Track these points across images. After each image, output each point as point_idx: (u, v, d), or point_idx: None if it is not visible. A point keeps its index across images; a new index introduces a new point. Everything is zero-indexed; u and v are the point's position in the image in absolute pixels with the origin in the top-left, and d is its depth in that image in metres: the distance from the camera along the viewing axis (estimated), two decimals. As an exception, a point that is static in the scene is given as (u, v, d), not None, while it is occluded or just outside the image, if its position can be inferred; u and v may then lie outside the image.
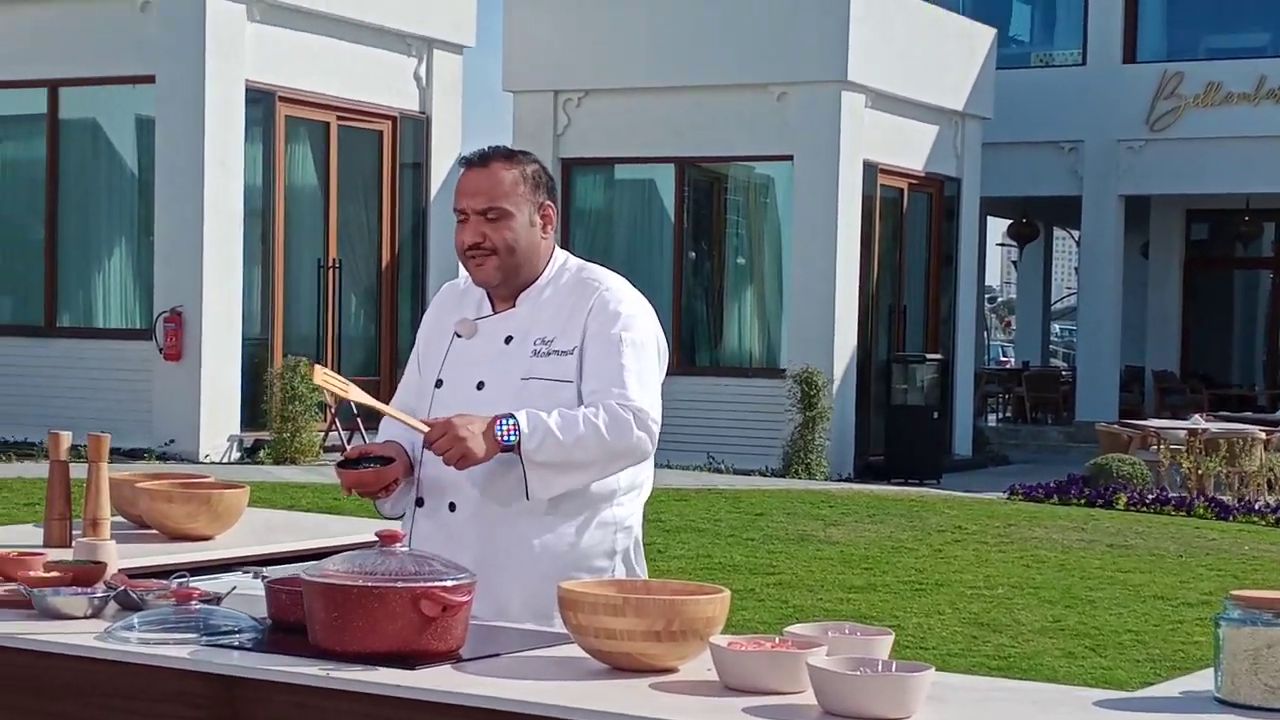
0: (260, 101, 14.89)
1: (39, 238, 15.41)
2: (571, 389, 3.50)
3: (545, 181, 3.61)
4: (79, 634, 3.19)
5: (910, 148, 18.43)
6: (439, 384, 3.64)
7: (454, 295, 3.73)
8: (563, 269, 3.65)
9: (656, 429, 3.52)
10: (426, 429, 3.39)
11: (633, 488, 3.63)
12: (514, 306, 3.62)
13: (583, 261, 3.70)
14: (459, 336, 3.64)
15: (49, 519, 4.26)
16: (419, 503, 3.62)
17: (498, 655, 3.13)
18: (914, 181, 18.69)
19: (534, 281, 3.61)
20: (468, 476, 3.48)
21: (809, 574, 10.05)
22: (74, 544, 3.95)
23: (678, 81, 17.38)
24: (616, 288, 3.61)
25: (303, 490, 12.20)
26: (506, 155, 3.58)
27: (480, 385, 3.57)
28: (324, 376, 3.47)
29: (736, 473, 15.96)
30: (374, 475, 3.52)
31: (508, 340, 3.58)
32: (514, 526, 3.50)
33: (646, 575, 3.66)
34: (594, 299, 3.56)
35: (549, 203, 3.61)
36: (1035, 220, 25.89)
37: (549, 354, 3.54)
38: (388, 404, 3.60)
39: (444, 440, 3.35)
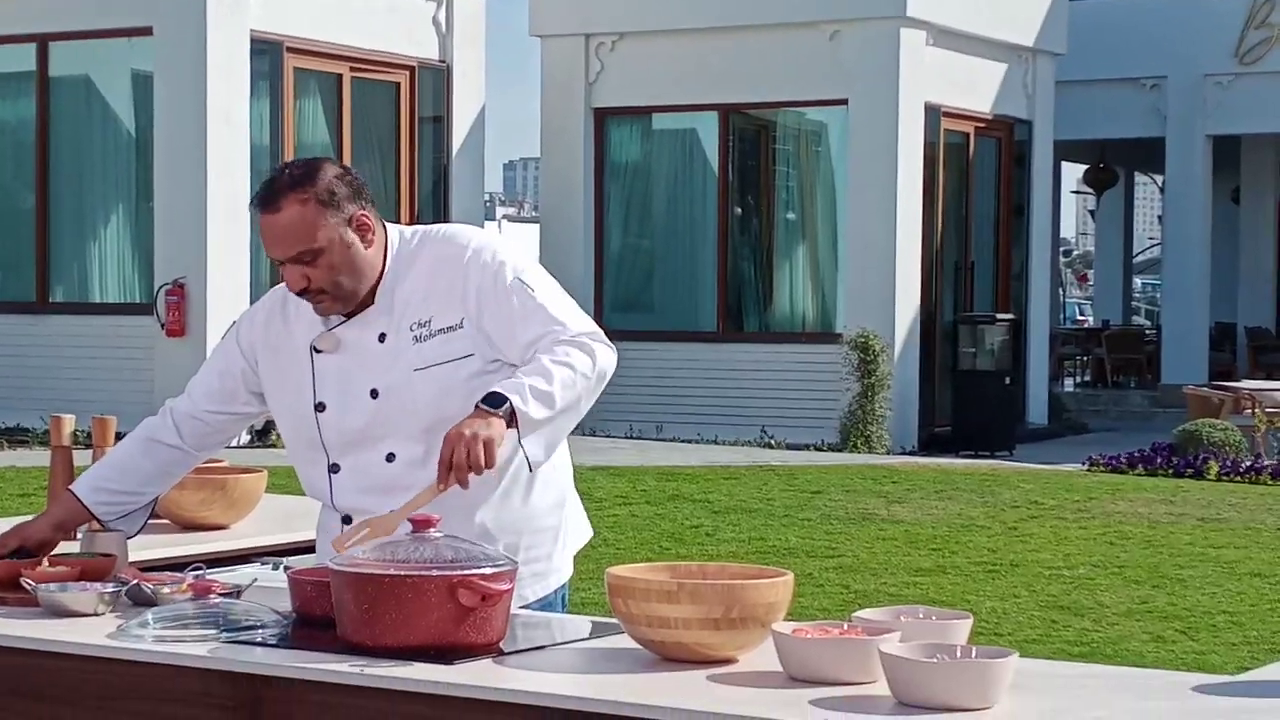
0: (267, 53, 14.91)
1: (29, 206, 15.49)
2: (474, 362, 3.56)
3: (345, 190, 3.58)
4: (90, 633, 3.22)
5: (976, 88, 18.35)
6: (321, 408, 3.66)
7: (281, 305, 3.73)
8: (404, 246, 3.66)
9: (609, 343, 3.59)
10: (440, 484, 3.38)
11: None
12: (372, 302, 3.64)
13: (420, 228, 3.73)
14: (319, 352, 3.67)
15: (52, 509, 4.29)
16: (345, 519, 3.63)
17: (541, 647, 3.16)
18: (981, 125, 18.61)
19: (379, 281, 3.64)
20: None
21: (871, 556, 10.06)
22: (80, 536, 3.98)
23: (720, 21, 17.33)
24: (473, 240, 3.65)
25: (320, 474, 12.25)
26: (294, 185, 3.54)
27: (374, 393, 3.61)
28: (348, 544, 3.33)
29: (790, 447, 15.96)
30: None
31: (381, 338, 3.62)
32: (459, 513, 3.49)
33: (589, 525, 3.84)
34: (463, 265, 3.59)
35: (359, 211, 3.59)
36: (1114, 165, 25.75)
37: (433, 335, 3.58)
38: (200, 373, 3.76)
39: (459, 454, 3.35)
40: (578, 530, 3.81)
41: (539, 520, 3.67)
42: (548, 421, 3.45)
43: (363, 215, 3.60)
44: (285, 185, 3.55)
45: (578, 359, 3.49)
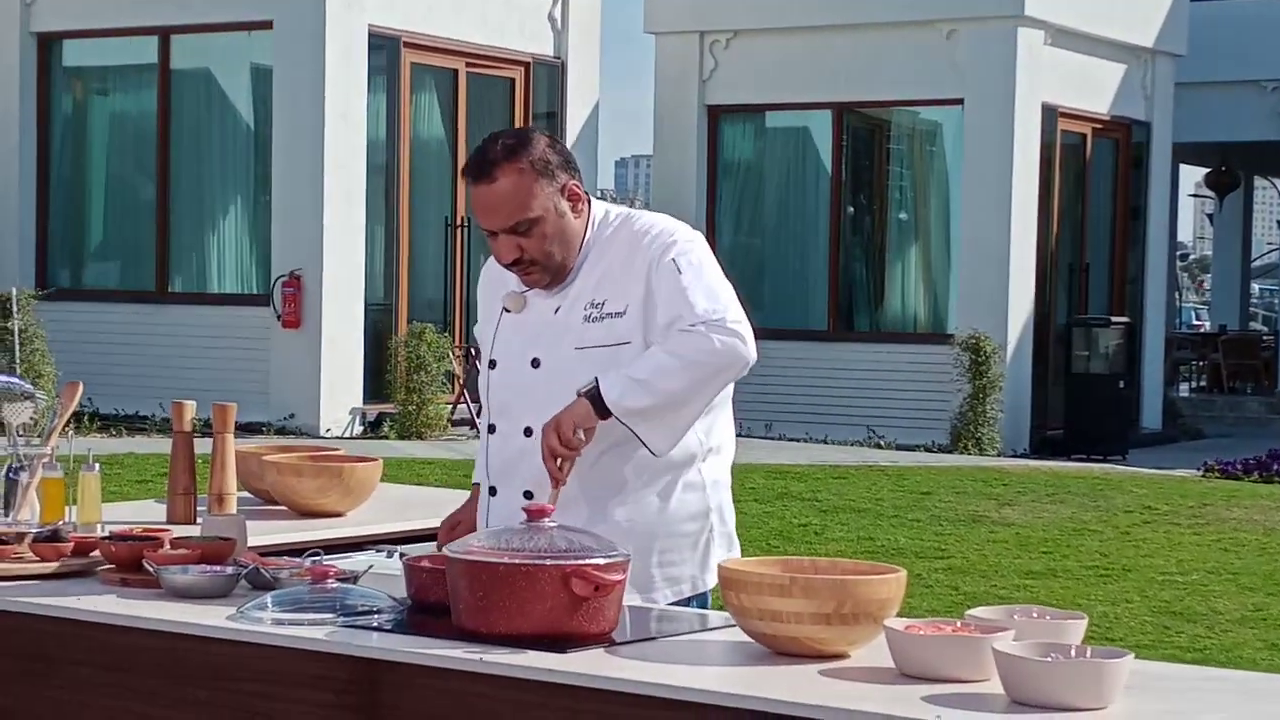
0: (384, 48, 15.04)
1: (149, 197, 15.71)
2: (632, 350, 3.56)
3: (557, 159, 3.59)
4: (209, 614, 3.27)
5: (1094, 89, 18.17)
6: (492, 365, 3.72)
7: (498, 269, 3.75)
8: (604, 225, 3.67)
9: (744, 330, 3.54)
10: (554, 489, 3.43)
11: (711, 449, 3.70)
12: (572, 275, 3.65)
13: (625, 210, 3.73)
14: (507, 311, 3.70)
15: (172, 494, 4.36)
16: (492, 491, 3.70)
17: (653, 639, 3.18)
18: (1098, 126, 18.43)
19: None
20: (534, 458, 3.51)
21: (981, 558, 10.00)
22: (202, 520, 4.04)
23: (835, 19, 17.28)
24: (665, 227, 3.64)
25: (429, 466, 12.36)
26: (508, 154, 3.55)
27: (535, 363, 3.63)
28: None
29: (899, 448, 15.89)
30: None
31: (556, 310, 3.64)
32: (594, 505, 3.56)
33: (738, 547, 3.76)
34: (644, 251, 3.59)
35: (570, 180, 3.61)
36: (1234, 168, 25.41)
37: (602, 318, 3.59)
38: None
39: (545, 443, 3.40)
40: (724, 546, 3.73)
41: (677, 525, 3.65)
42: (655, 410, 3.46)
43: (574, 184, 3.61)
44: (500, 155, 3.55)
45: (690, 347, 3.48)
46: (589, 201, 3.66)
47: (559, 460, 3.42)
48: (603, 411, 3.44)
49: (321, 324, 14.50)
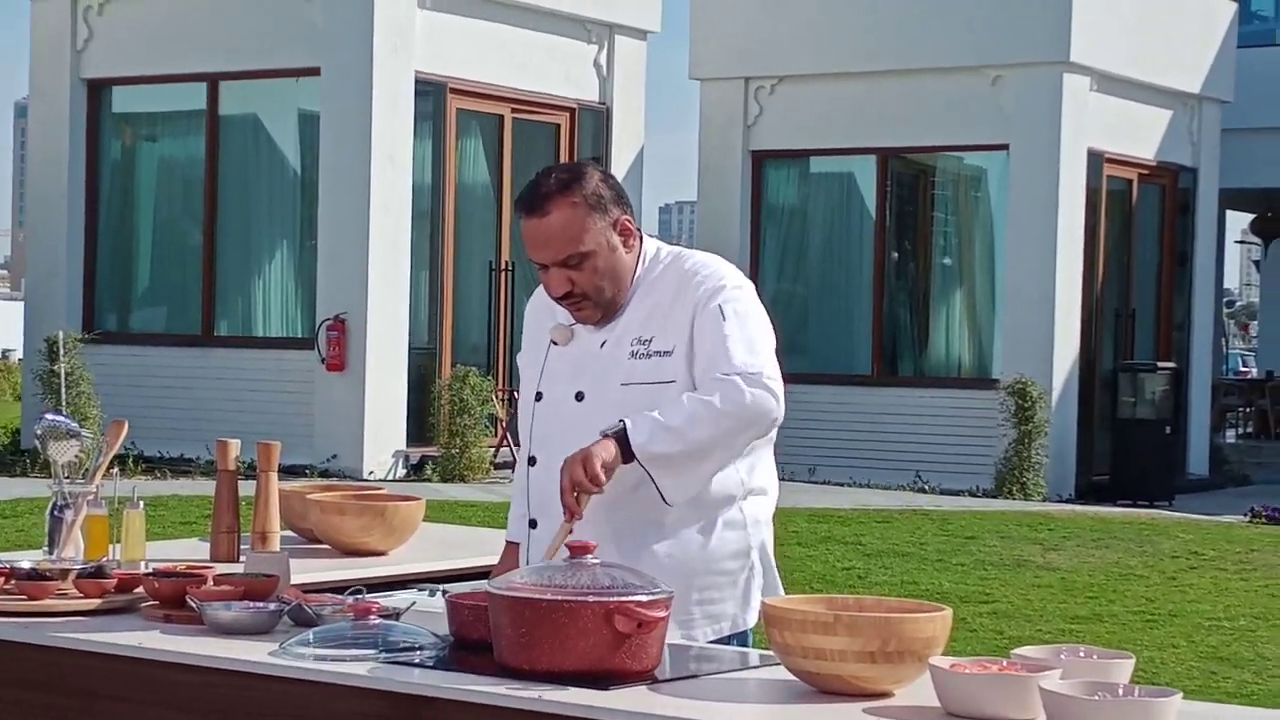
0: (430, 94, 15.11)
1: (196, 242, 15.80)
2: (676, 389, 3.54)
3: (610, 194, 3.59)
4: (252, 650, 3.27)
5: (1140, 135, 18.13)
6: (539, 397, 3.71)
7: (547, 300, 3.74)
8: (654, 262, 3.66)
9: (777, 387, 3.51)
10: (568, 522, 3.41)
11: (753, 491, 3.67)
12: (621, 311, 3.65)
13: (677, 249, 3.72)
14: (555, 344, 3.70)
15: (216, 531, 4.37)
16: (532, 524, 3.69)
17: (695, 676, 3.16)
18: (1144, 172, 18.38)
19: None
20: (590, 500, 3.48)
21: (1026, 603, 9.94)
22: (246, 557, 4.05)
23: (881, 65, 17.29)
24: (716, 270, 3.63)
25: (472, 509, 12.36)
26: (562, 188, 3.55)
27: (579, 396, 3.63)
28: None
29: (943, 492, 15.82)
30: None
31: (603, 344, 3.63)
32: (634, 540, 3.55)
33: (781, 586, 3.72)
34: (696, 293, 3.57)
35: (623, 215, 3.60)
36: (1280, 214, 25.29)
37: (649, 355, 3.58)
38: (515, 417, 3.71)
39: (567, 475, 3.39)
40: (765, 587, 3.70)
41: (718, 564, 3.63)
42: (679, 458, 3.44)
43: (626, 219, 3.62)
44: (553, 189, 3.56)
45: (722, 397, 3.46)
46: (641, 237, 3.66)
47: (577, 495, 3.41)
48: (627, 455, 3.43)
49: (365, 367, 14.54)
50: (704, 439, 3.45)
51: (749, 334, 3.55)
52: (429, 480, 14.55)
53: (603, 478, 3.39)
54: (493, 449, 15.10)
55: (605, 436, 3.43)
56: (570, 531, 3.38)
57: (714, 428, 3.45)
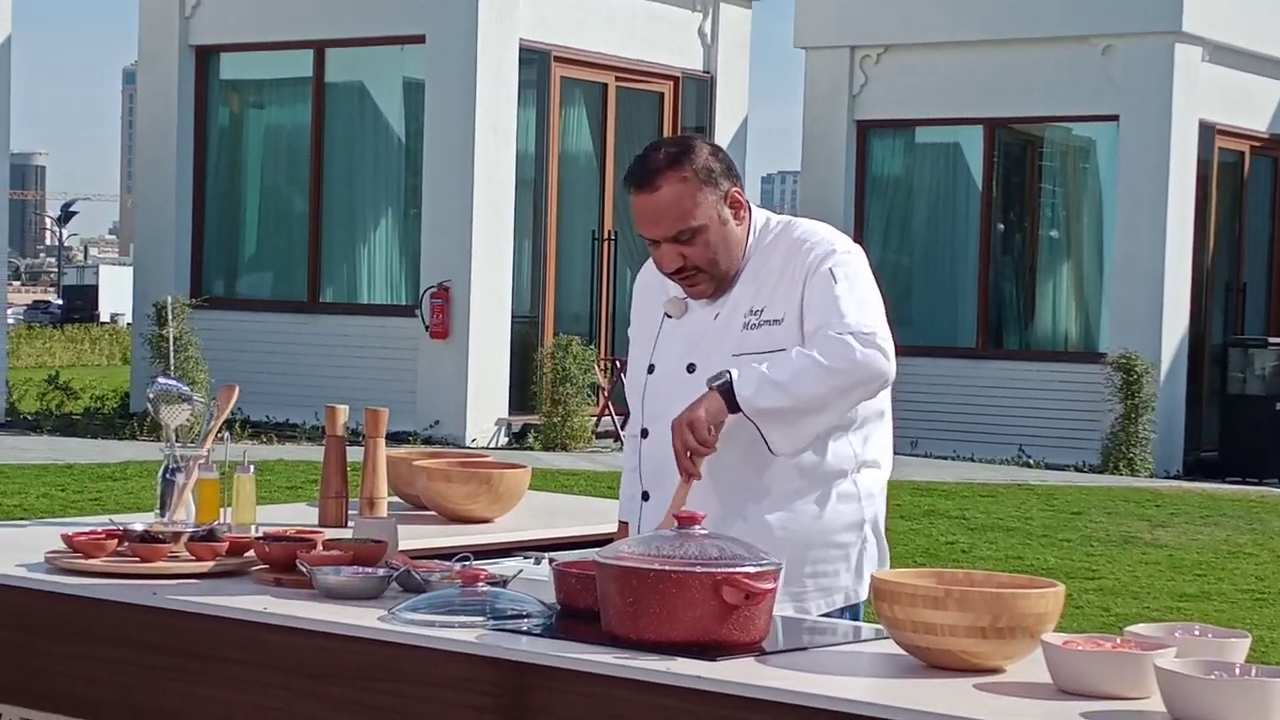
0: (534, 62, 15.13)
1: (302, 209, 15.92)
2: None
3: (720, 167, 3.56)
4: (361, 615, 3.29)
5: (1253, 106, 17.87)
6: (650, 369, 3.70)
7: (657, 273, 3.72)
8: (764, 232, 3.64)
9: (888, 347, 3.48)
10: (686, 477, 3.41)
11: (867, 463, 3.65)
12: (735, 283, 3.63)
13: (786, 218, 3.70)
14: (669, 317, 3.68)
15: (324, 497, 4.39)
16: (644, 496, 3.68)
17: (804, 649, 3.15)
18: (1257, 144, 18.12)
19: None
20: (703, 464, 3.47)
21: (1133, 580, 9.85)
22: (354, 523, 4.07)
23: (988, 34, 17.13)
24: (826, 236, 3.61)
25: (574, 478, 12.39)
26: (671, 162, 3.52)
27: (691, 368, 3.60)
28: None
29: (1049, 467, 15.71)
30: None
31: (716, 316, 3.61)
32: (749, 512, 3.54)
33: (889, 561, 3.71)
34: (806, 259, 3.55)
35: (733, 188, 3.58)
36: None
37: (760, 325, 3.56)
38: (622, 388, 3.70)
39: (679, 439, 3.38)
40: (876, 559, 3.69)
41: (832, 536, 3.61)
42: (787, 413, 3.42)
43: (736, 192, 3.60)
44: (663, 164, 3.54)
45: (831, 354, 3.42)
46: (750, 209, 3.64)
47: (690, 455, 3.40)
48: (733, 406, 3.41)
49: (469, 335, 14.61)
50: (811, 395, 3.42)
51: (860, 295, 3.52)
52: (530, 448, 14.60)
53: (711, 439, 3.38)
54: (594, 418, 15.13)
55: (711, 389, 3.42)
56: (687, 494, 3.37)
57: (821, 385, 3.42)
